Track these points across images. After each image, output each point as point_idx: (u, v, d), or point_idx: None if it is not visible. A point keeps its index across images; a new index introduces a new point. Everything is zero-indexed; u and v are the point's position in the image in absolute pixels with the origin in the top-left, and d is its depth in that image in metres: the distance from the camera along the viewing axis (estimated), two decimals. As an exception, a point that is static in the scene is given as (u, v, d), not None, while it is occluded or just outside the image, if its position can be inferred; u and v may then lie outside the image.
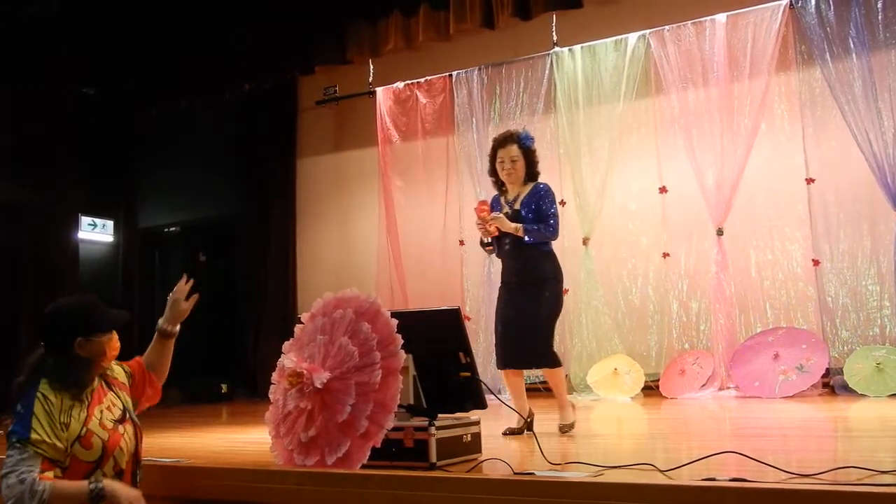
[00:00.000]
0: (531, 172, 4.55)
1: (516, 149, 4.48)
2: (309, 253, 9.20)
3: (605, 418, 5.07)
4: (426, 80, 8.41)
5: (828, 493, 2.20)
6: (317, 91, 9.25)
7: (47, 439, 2.52)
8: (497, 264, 7.63)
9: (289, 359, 3.13)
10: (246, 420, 6.36)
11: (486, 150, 7.82)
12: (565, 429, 4.33)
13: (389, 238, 8.37)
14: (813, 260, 6.64)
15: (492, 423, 4.20)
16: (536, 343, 4.32)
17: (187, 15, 9.23)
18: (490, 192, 7.74)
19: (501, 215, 4.39)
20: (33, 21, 8.61)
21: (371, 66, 8.71)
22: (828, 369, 6.29)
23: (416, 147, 8.43)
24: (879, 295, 6.38)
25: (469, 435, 3.30)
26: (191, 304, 3.23)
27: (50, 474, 2.50)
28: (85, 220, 9.55)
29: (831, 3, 6.57)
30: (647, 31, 7.27)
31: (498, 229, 4.38)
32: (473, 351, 3.40)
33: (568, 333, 7.27)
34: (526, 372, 7.60)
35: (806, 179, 6.71)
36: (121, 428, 2.73)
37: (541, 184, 4.53)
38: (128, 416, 2.79)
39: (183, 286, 3.22)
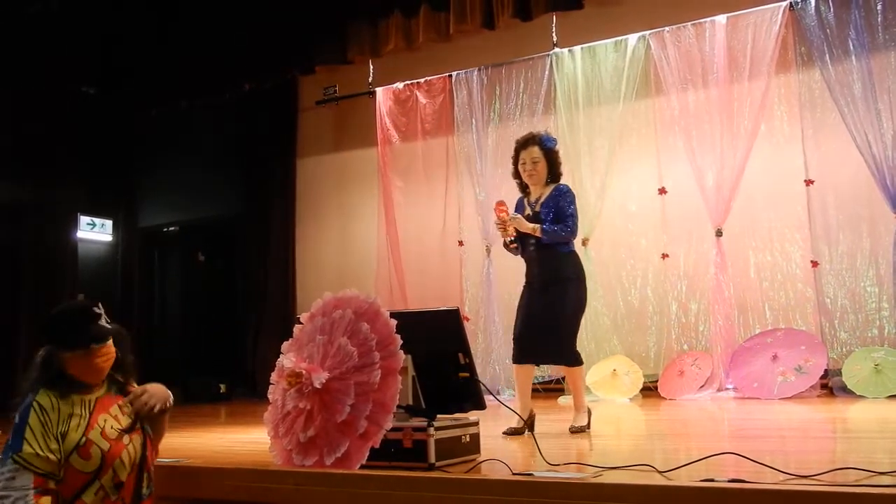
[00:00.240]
0: (553, 173, 4.59)
1: (538, 150, 4.53)
2: (308, 253, 9.20)
3: (603, 419, 5.08)
4: (426, 80, 8.42)
5: (826, 494, 2.20)
6: (317, 91, 9.26)
7: (40, 452, 2.48)
8: (496, 265, 7.73)
9: (288, 359, 3.13)
10: (245, 420, 6.36)
11: (485, 151, 7.94)
12: (576, 430, 4.33)
13: (389, 238, 8.38)
14: (812, 261, 6.64)
15: (491, 424, 4.20)
16: (559, 340, 4.36)
17: (187, 15, 9.24)
18: (489, 192, 7.83)
19: (519, 216, 4.45)
20: (33, 21, 8.61)
21: (371, 67, 8.72)
22: (826, 370, 6.30)
23: (415, 147, 8.44)
24: (878, 296, 6.39)
25: (468, 435, 3.31)
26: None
27: (47, 499, 2.46)
28: (84, 220, 9.55)
29: (831, 4, 6.57)
30: (648, 33, 7.28)
31: (517, 230, 4.43)
32: (472, 351, 3.40)
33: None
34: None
35: (805, 181, 6.72)
36: (126, 438, 2.64)
37: (562, 185, 4.58)
38: (138, 425, 2.70)
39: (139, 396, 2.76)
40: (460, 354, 3.32)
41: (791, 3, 6.75)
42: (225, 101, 9.53)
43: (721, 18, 6.99)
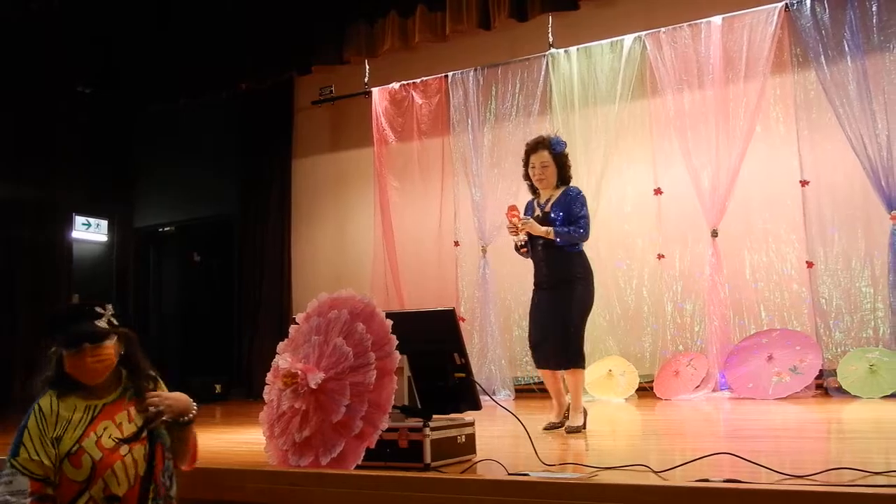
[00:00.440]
0: (563, 176, 4.66)
1: (547, 154, 4.60)
2: (304, 253, 9.19)
3: (599, 419, 5.08)
4: (422, 80, 8.42)
5: (821, 494, 2.21)
6: (313, 91, 9.25)
7: (34, 456, 2.43)
8: (491, 265, 7.74)
9: (283, 359, 3.13)
10: (240, 420, 6.35)
11: (481, 151, 7.95)
12: (572, 430, 4.38)
13: (385, 238, 8.37)
14: (807, 262, 6.65)
15: (486, 425, 4.21)
16: (564, 342, 4.43)
17: (184, 14, 9.22)
18: (484, 192, 7.84)
19: (531, 220, 4.54)
20: (29, 19, 8.58)
21: (367, 67, 8.71)
22: (821, 371, 6.31)
23: (411, 148, 8.44)
24: (873, 297, 6.40)
25: (463, 436, 3.31)
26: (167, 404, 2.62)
27: None
28: (79, 220, 9.53)
29: (826, 5, 6.59)
30: (643, 33, 7.28)
31: (528, 234, 4.52)
32: (468, 352, 3.40)
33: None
34: (520, 374, 7.70)
35: (800, 182, 6.73)
36: (124, 449, 2.49)
37: (572, 187, 4.65)
38: (143, 435, 2.53)
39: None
40: (456, 355, 3.33)
41: (787, 4, 6.76)
42: (221, 100, 9.52)
43: (717, 19, 7.00)
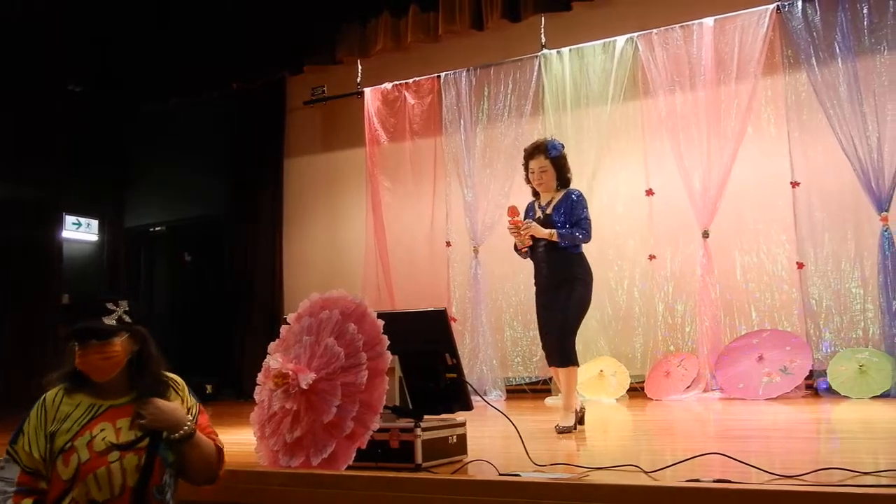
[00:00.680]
0: (562, 179, 4.75)
1: (544, 159, 4.69)
2: (296, 253, 9.18)
3: (590, 420, 5.08)
4: (414, 80, 8.42)
5: (811, 493, 2.21)
6: (305, 91, 9.24)
7: (26, 447, 2.40)
8: (483, 266, 7.74)
9: (274, 359, 3.12)
10: (231, 421, 6.33)
11: (473, 152, 7.96)
12: (563, 430, 4.39)
13: (376, 239, 8.37)
14: (797, 263, 6.68)
15: (478, 425, 4.21)
16: (558, 341, 4.52)
17: (176, 14, 9.19)
18: (476, 193, 7.84)
19: (534, 224, 4.59)
20: (19, 18, 8.54)
21: (359, 67, 8.71)
22: (811, 371, 6.34)
23: (403, 148, 8.43)
24: (863, 298, 6.43)
25: (455, 436, 3.31)
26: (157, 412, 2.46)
27: (28, 501, 2.36)
28: (69, 220, 9.49)
29: (818, 8, 6.62)
30: (636, 34, 7.30)
31: (532, 236, 4.58)
32: (459, 352, 3.40)
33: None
34: (511, 374, 7.71)
35: (791, 183, 6.76)
36: (113, 455, 2.37)
37: (573, 190, 4.73)
38: (141, 445, 2.40)
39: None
40: (447, 355, 3.32)
41: (778, 5, 6.79)
42: (213, 100, 9.50)
43: (708, 21, 7.02)
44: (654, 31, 7.22)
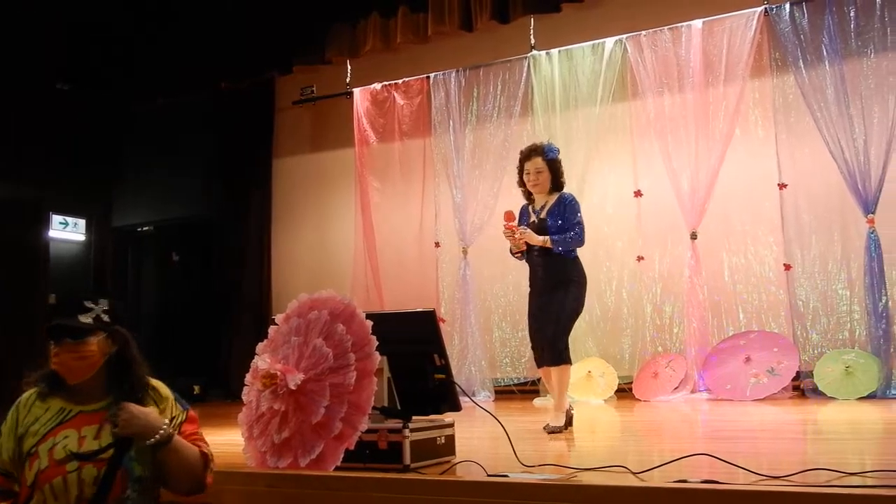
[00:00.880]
0: (556, 182, 4.80)
1: (541, 161, 4.73)
2: (284, 253, 9.16)
3: (578, 421, 5.09)
4: (404, 81, 8.41)
5: (797, 494, 2.22)
6: (294, 91, 9.22)
7: None
8: (472, 267, 7.75)
9: (263, 360, 3.11)
10: (218, 421, 6.31)
11: (462, 153, 7.96)
12: (553, 430, 4.42)
13: (365, 239, 8.36)
14: (784, 264, 6.71)
15: (466, 426, 4.21)
16: (550, 341, 4.54)
17: (165, 12, 9.15)
18: (465, 194, 7.84)
19: (529, 231, 4.63)
20: (6, 16, 8.48)
21: (349, 67, 8.70)
22: (798, 372, 6.37)
23: (392, 148, 8.43)
24: (849, 299, 6.47)
25: (443, 437, 3.31)
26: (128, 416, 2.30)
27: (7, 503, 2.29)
28: (56, 219, 9.43)
29: (805, 11, 6.65)
30: (624, 36, 7.32)
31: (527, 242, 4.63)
32: (448, 353, 3.40)
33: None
34: (499, 375, 7.72)
35: (778, 185, 6.79)
36: (71, 465, 2.23)
37: (566, 194, 4.78)
38: (105, 455, 2.26)
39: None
40: (436, 356, 3.32)
41: (766, 8, 6.82)
42: (201, 100, 9.46)
43: (697, 23, 7.04)
44: (643, 32, 7.24)
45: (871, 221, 6.24)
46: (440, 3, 7.88)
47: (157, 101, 9.51)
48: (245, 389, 3.28)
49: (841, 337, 6.46)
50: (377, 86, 8.54)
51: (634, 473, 2.69)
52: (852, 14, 6.49)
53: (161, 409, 2.43)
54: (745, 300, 6.83)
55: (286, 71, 8.96)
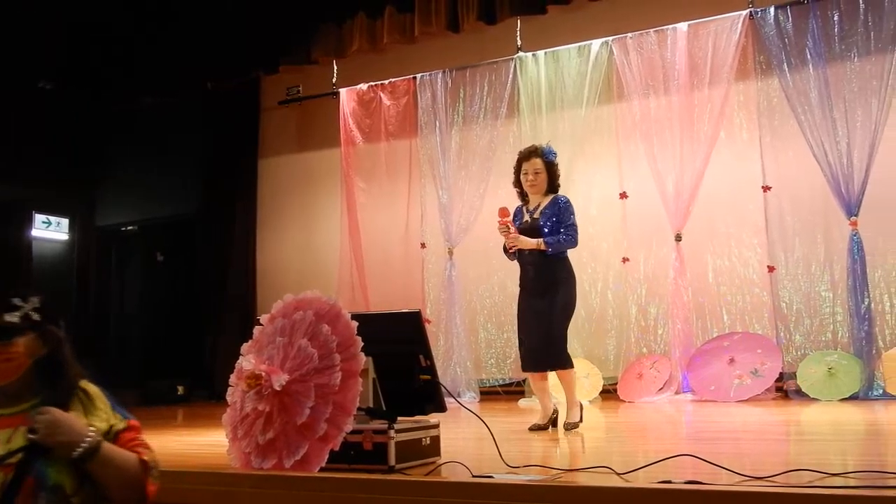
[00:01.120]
0: (552, 184, 4.85)
1: (540, 162, 4.79)
2: (270, 254, 9.13)
3: (563, 421, 5.10)
4: (390, 82, 8.40)
5: (780, 495, 2.24)
6: (280, 91, 9.19)
7: None
8: (458, 267, 7.74)
9: (247, 360, 3.10)
10: (203, 422, 6.28)
11: (448, 154, 7.95)
12: (570, 426, 4.54)
13: (351, 240, 8.34)
14: (768, 266, 6.75)
15: (451, 426, 4.21)
16: (551, 348, 4.59)
17: (150, 11, 9.11)
18: (451, 194, 7.84)
19: (521, 237, 4.66)
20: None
21: (335, 67, 8.68)
22: (781, 374, 6.40)
23: (379, 149, 8.41)
24: (832, 301, 6.51)
25: (428, 438, 3.30)
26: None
27: None
28: (39, 218, 9.37)
29: (789, 14, 6.69)
30: (610, 38, 7.34)
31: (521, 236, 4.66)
32: (433, 354, 3.40)
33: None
34: (485, 376, 7.73)
35: (763, 187, 6.82)
36: None
37: (561, 196, 4.82)
38: (11, 461, 2.01)
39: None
40: (421, 357, 3.32)
41: (751, 12, 6.86)
42: (187, 99, 9.42)
43: (682, 26, 7.07)
44: (629, 35, 7.27)
45: (854, 224, 6.28)
46: (427, 4, 7.88)
47: (142, 101, 9.46)
48: (229, 390, 3.26)
49: (824, 338, 6.50)
50: (363, 86, 8.53)
51: (619, 474, 2.70)
52: (836, 18, 6.54)
53: (92, 417, 2.18)
54: (730, 302, 6.86)
55: (272, 71, 8.94)
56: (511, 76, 7.74)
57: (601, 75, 7.34)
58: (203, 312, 9.26)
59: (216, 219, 9.35)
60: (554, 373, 4.78)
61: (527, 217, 4.80)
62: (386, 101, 8.41)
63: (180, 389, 8.73)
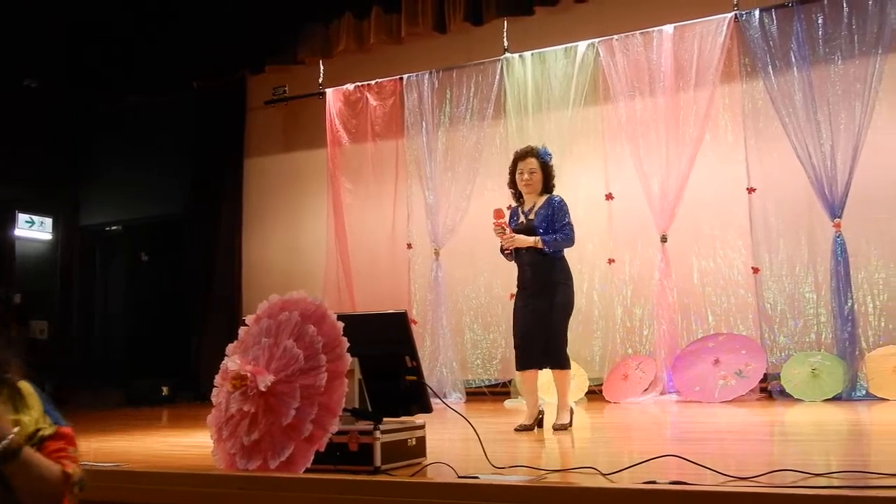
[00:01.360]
0: (547, 185, 4.88)
1: (535, 161, 4.83)
2: (255, 254, 9.09)
3: (549, 422, 5.11)
4: (377, 82, 8.39)
5: (764, 495, 2.25)
6: (266, 91, 9.17)
7: None
8: (444, 268, 7.74)
9: (233, 361, 3.09)
10: (187, 423, 6.25)
11: (435, 154, 7.95)
12: (559, 428, 4.56)
13: (337, 240, 8.32)
14: (753, 268, 6.79)
15: (437, 427, 4.20)
16: (551, 346, 4.61)
17: (136, 10, 9.06)
18: (438, 195, 7.84)
19: (518, 236, 4.68)
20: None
21: (321, 67, 8.66)
22: (765, 374, 6.44)
23: (365, 149, 8.40)
24: (816, 303, 6.55)
25: (414, 439, 3.30)
26: None
27: None
28: (22, 217, 9.30)
29: (774, 17, 6.73)
30: (597, 40, 7.36)
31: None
32: (419, 354, 3.39)
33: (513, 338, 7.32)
34: (471, 377, 7.73)
35: (747, 189, 6.86)
36: None
37: (556, 196, 4.85)
38: None
39: None
40: (407, 357, 3.31)
41: (736, 14, 6.89)
42: (173, 99, 9.38)
43: (668, 28, 7.10)
44: (615, 37, 7.29)
45: (838, 226, 6.33)
46: (414, 5, 7.88)
47: (128, 100, 9.41)
48: (215, 391, 3.25)
49: (807, 339, 6.54)
50: (350, 86, 8.51)
51: (604, 475, 2.71)
52: (820, 21, 6.58)
53: (20, 417, 2.02)
54: (714, 303, 6.89)
55: (258, 70, 8.91)
56: (498, 77, 7.74)
57: (587, 77, 7.36)
58: (188, 313, 9.22)
59: (202, 219, 9.31)
60: (545, 374, 4.79)
61: (522, 218, 4.82)
62: (372, 101, 8.40)
63: (165, 390, 8.68)
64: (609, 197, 7.33)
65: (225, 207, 9.21)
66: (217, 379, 3.23)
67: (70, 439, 2.11)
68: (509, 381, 7.33)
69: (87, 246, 10.11)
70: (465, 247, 7.67)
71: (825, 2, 6.57)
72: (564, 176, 7.39)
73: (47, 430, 2.04)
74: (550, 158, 4.90)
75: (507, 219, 4.79)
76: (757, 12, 6.79)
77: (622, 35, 7.27)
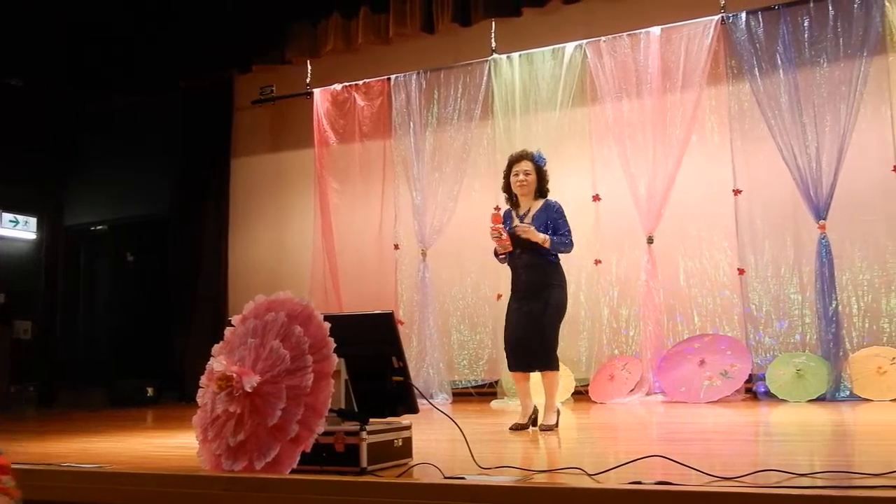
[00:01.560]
0: (541, 188, 4.90)
1: (530, 164, 4.85)
2: (242, 254, 9.06)
3: (535, 423, 5.13)
4: (364, 82, 8.38)
5: (749, 495, 2.25)
6: (253, 90, 9.14)
7: None
8: (431, 269, 7.74)
9: (218, 362, 3.07)
10: (172, 424, 6.22)
11: (422, 155, 7.95)
12: (545, 428, 4.61)
13: (324, 240, 8.31)
14: (738, 269, 6.82)
15: (424, 428, 4.20)
16: (542, 348, 4.64)
17: (122, 8, 9.01)
18: (425, 196, 7.84)
19: (531, 227, 4.66)
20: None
21: (309, 67, 8.64)
22: (751, 375, 6.48)
23: (352, 149, 8.39)
24: (801, 304, 6.59)
25: (400, 439, 3.30)
26: None
27: None
28: (6, 217, 9.23)
29: (761, 20, 6.78)
30: (584, 42, 7.38)
31: (514, 242, 4.65)
32: (406, 355, 3.39)
33: (500, 339, 7.32)
34: (457, 377, 7.74)
35: (733, 190, 6.89)
36: None
37: (552, 201, 4.87)
38: None
39: None
40: (394, 358, 3.31)
41: (723, 17, 6.93)
42: (159, 98, 9.33)
43: (655, 30, 7.13)
44: (603, 38, 7.31)
45: (823, 227, 6.37)
46: (402, 5, 7.88)
47: (114, 99, 9.36)
48: (200, 391, 3.23)
49: (792, 340, 6.59)
50: (337, 86, 8.50)
51: (590, 475, 2.71)
52: (806, 24, 6.63)
53: None
54: (700, 304, 6.92)
55: (245, 70, 8.89)
56: (485, 78, 7.75)
57: (575, 78, 7.38)
58: (174, 313, 9.17)
59: (188, 219, 9.27)
60: (535, 374, 4.80)
61: (517, 221, 4.80)
62: (360, 101, 8.39)
63: (150, 391, 8.64)
64: (596, 198, 7.35)
65: (211, 207, 9.18)
66: (203, 379, 3.21)
67: (6, 469, 2.02)
68: (496, 382, 7.34)
69: (71, 246, 10.04)
70: (453, 247, 7.67)
71: (811, 5, 6.61)
72: (552, 177, 7.36)
73: None
74: (545, 163, 4.91)
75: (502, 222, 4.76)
76: (743, 15, 6.83)
77: (610, 37, 7.29)
